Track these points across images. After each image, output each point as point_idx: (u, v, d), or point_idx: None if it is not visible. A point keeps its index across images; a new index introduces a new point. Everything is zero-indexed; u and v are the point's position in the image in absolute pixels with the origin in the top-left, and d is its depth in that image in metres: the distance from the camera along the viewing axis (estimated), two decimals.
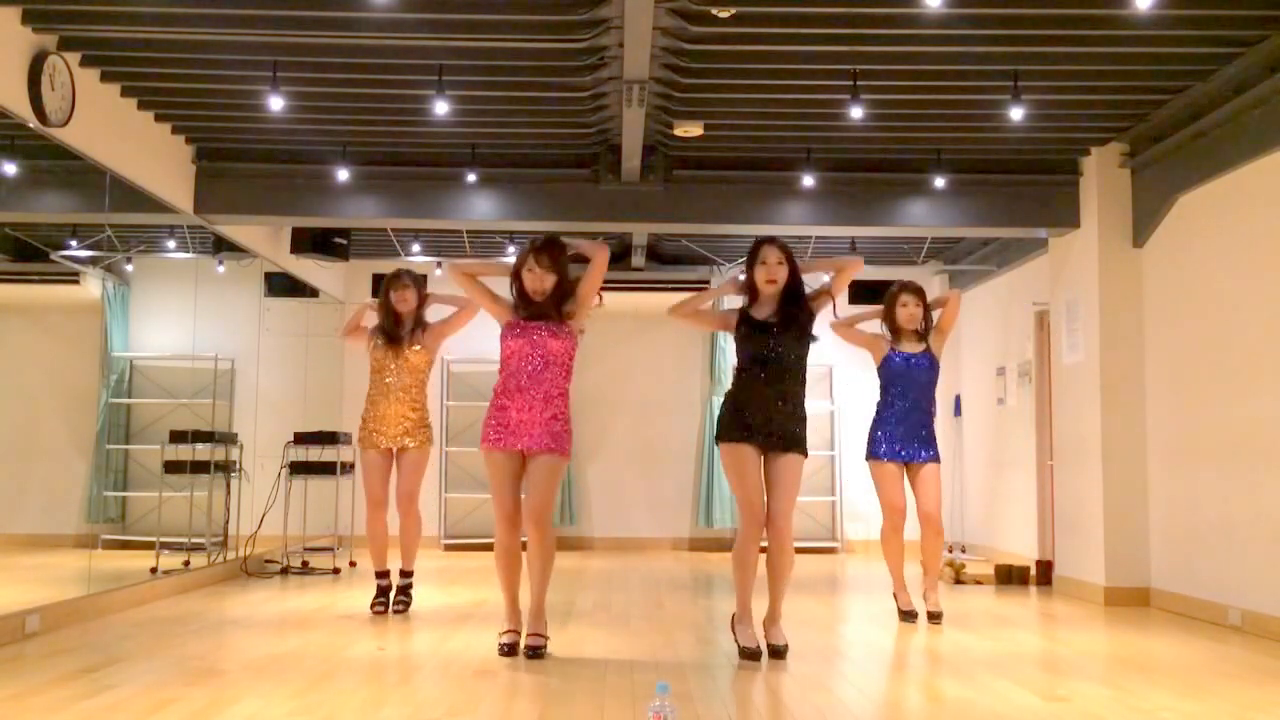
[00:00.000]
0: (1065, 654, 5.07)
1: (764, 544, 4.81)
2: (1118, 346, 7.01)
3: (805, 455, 4.85)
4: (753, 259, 4.93)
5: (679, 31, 5.32)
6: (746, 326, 4.90)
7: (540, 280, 4.87)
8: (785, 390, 4.82)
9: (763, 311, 4.92)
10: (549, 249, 4.89)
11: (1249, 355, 5.84)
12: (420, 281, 6.44)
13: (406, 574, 6.23)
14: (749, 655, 4.72)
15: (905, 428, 6.03)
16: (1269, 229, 5.69)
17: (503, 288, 5.02)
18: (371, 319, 6.26)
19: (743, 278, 5.01)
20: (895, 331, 6.11)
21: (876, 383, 6.18)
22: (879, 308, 6.22)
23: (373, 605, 6.07)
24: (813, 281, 5.05)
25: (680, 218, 7.60)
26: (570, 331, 4.91)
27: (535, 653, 4.78)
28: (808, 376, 4.96)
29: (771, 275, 4.88)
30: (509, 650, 4.80)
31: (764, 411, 4.79)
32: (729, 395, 4.93)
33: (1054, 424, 7.91)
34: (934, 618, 5.91)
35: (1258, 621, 5.67)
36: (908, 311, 6.07)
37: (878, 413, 6.14)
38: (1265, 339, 5.69)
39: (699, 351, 10.85)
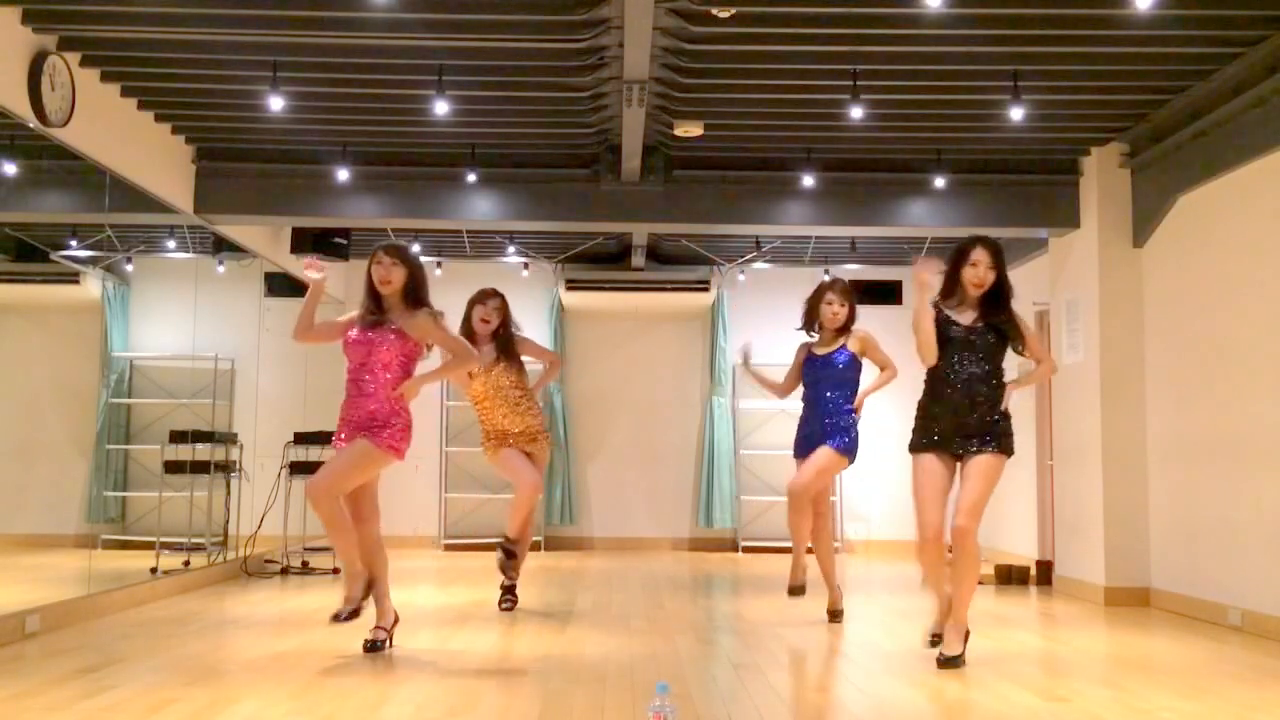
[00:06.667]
0: (1065, 654, 5.07)
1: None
2: (1118, 346, 7.01)
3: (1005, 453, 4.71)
4: (962, 258, 4.71)
5: (679, 31, 5.32)
6: (947, 330, 4.70)
7: (386, 271, 4.77)
8: (977, 395, 4.67)
9: (966, 316, 4.73)
10: (397, 247, 4.83)
11: (1249, 355, 5.83)
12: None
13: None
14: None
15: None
16: (1269, 229, 5.69)
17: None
18: None
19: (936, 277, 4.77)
20: (820, 328, 5.87)
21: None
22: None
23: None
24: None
25: (680, 218, 7.60)
26: (401, 341, 4.76)
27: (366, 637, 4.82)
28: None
29: (981, 279, 4.69)
30: (346, 617, 4.80)
31: (955, 416, 4.67)
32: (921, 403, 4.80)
33: (1054, 424, 7.91)
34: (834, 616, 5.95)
35: (1258, 621, 5.67)
36: (831, 310, 5.82)
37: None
38: (1265, 339, 5.69)
39: (699, 351, 10.85)
